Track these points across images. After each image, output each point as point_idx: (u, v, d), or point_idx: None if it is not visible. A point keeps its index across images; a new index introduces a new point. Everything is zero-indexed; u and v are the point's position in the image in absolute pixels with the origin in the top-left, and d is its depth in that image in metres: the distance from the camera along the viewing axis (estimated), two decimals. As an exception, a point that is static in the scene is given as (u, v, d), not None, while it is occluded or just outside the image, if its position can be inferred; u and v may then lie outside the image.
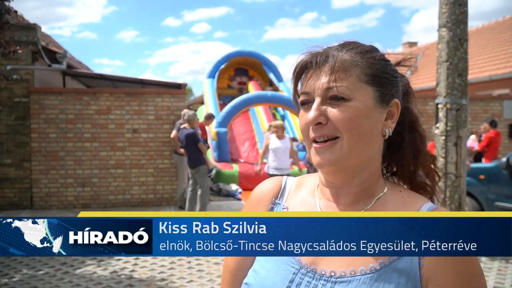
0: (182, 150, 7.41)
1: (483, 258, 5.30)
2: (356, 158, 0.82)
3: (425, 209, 0.83)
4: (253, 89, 13.47)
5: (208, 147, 8.84)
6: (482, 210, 6.20)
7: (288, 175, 5.97)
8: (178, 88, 9.29)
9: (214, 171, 9.48)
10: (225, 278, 0.97)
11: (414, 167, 0.91)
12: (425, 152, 0.91)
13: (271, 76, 13.99)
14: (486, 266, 5.05)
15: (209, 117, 9.12)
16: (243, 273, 0.91)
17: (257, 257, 0.90)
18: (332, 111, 0.80)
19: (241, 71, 14.73)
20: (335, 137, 0.80)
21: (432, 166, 0.92)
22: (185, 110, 8.08)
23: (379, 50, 0.87)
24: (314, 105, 0.81)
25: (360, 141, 0.80)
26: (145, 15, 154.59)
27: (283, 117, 13.01)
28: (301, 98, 0.85)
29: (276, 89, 13.31)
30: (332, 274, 0.81)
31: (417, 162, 0.90)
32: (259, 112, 13.13)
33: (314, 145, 0.82)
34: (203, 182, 7.10)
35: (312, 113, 0.81)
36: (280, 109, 13.06)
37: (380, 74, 0.83)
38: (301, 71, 0.86)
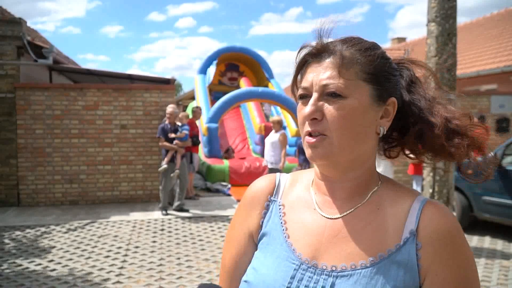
0: (166, 144, 7.41)
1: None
2: (348, 155, 0.83)
3: (417, 203, 0.83)
4: (245, 85, 13.40)
5: (199, 142, 8.77)
6: (470, 204, 6.26)
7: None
8: (167, 83, 9.21)
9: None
10: (223, 276, 0.97)
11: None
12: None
13: (264, 71, 13.90)
14: (474, 259, 5.10)
15: (196, 111, 9.03)
16: (240, 271, 0.92)
17: (256, 255, 0.90)
18: (328, 108, 0.81)
19: (232, 67, 14.64)
20: (326, 134, 0.82)
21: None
22: (170, 106, 8.03)
23: (380, 47, 0.87)
24: (311, 101, 0.82)
25: (352, 139, 0.81)
26: (129, 9, 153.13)
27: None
28: (300, 91, 0.86)
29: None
30: (333, 268, 0.81)
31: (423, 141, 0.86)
32: (251, 108, 13.08)
33: (307, 138, 0.83)
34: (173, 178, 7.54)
35: (308, 108, 0.82)
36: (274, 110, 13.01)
37: (378, 73, 0.83)
38: (301, 64, 0.87)
